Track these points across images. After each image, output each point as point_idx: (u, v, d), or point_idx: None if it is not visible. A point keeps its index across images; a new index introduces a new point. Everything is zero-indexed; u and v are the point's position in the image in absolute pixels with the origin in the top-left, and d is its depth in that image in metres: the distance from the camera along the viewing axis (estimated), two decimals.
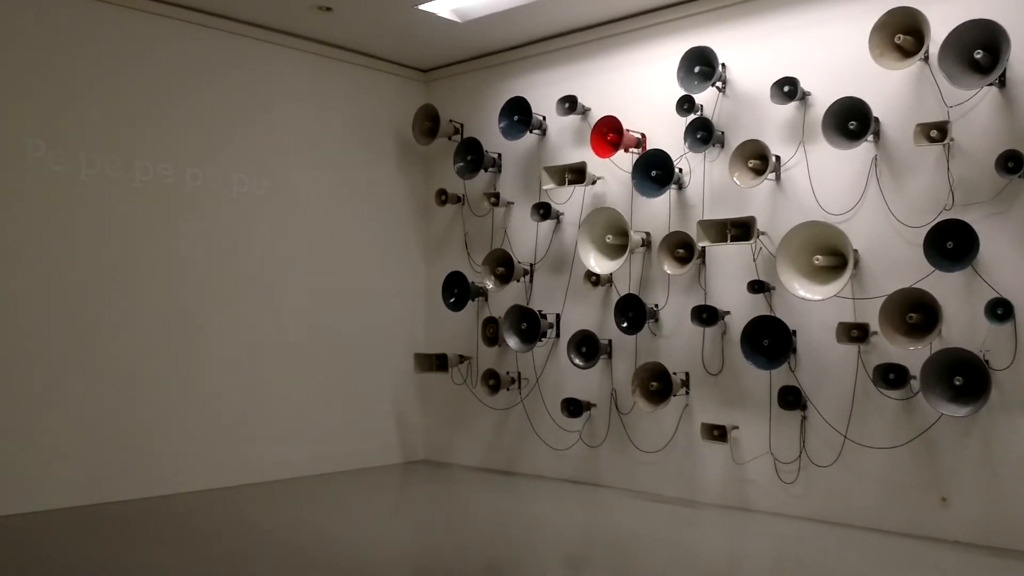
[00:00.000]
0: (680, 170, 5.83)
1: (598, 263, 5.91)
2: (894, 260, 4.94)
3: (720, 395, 5.64)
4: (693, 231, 5.53)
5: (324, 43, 6.76)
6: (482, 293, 6.73)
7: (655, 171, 5.77)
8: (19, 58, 5.34)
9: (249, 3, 6.00)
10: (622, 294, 6.00)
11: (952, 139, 4.73)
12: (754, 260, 5.46)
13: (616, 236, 5.86)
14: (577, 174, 6.12)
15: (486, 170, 6.82)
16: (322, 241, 6.78)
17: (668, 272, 5.64)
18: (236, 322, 6.24)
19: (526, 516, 5.57)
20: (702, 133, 5.62)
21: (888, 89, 4.99)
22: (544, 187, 6.28)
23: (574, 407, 6.18)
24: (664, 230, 5.82)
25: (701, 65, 5.59)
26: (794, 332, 5.23)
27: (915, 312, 4.63)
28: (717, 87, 5.68)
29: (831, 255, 4.95)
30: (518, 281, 6.61)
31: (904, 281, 4.80)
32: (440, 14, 6.13)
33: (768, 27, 5.54)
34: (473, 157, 6.79)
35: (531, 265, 6.65)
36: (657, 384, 5.63)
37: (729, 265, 5.59)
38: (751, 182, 5.32)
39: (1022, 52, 4.54)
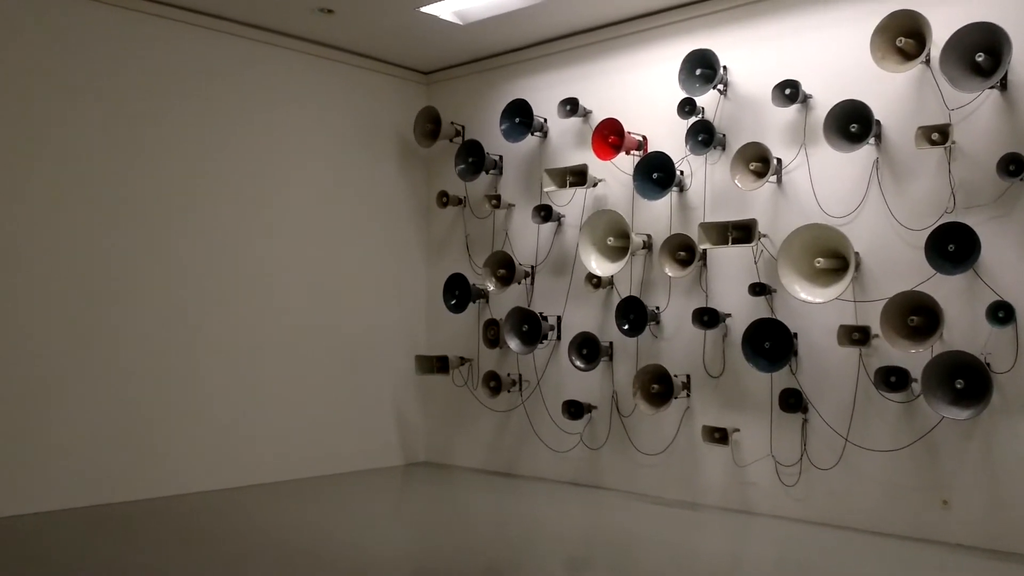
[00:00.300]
0: (681, 172, 5.83)
1: (599, 265, 5.90)
2: (895, 263, 4.94)
3: (721, 397, 5.63)
4: (694, 233, 5.53)
5: (325, 45, 6.76)
6: (483, 295, 6.73)
7: (656, 173, 5.78)
8: (19, 58, 5.34)
9: (250, 5, 6.00)
10: (623, 296, 5.99)
11: (953, 142, 4.73)
12: (755, 263, 5.45)
13: (617, 238, 5.86)
14: (578, 176, 6.12)
15: (487, 172, 6.82)
16: (323, 243, 6.77)
17: (669, 274, 5.64)
18: (238, 323, 6.24)
19: (527, 518, 5.56)
20: (703, 135, 5.62)
21: (889, 92, 4.99)
22: (545, 189, 6.29)
23: (575, 409, 6.18)
24: (665, 232, 5.81)
25: (703, 67, 5.59)
26: (795, 335, 5.23)
27: (916, 315, 4.63)
28: (718, 89, 5.68)
29: (832, 258, 4.95)
30: (519, 283, 6.61)
31: (905, 284, 4.80)
32: (442, 16, 6.13)
33: (770, 30, 5.54)
34: (474, 159, 6.79)
35: (532, 267, 6.65)
36: (658, 386, 5.63)
37: (730, 267, 5.59)
38: (752, 184, 5.32)
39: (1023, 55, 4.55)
